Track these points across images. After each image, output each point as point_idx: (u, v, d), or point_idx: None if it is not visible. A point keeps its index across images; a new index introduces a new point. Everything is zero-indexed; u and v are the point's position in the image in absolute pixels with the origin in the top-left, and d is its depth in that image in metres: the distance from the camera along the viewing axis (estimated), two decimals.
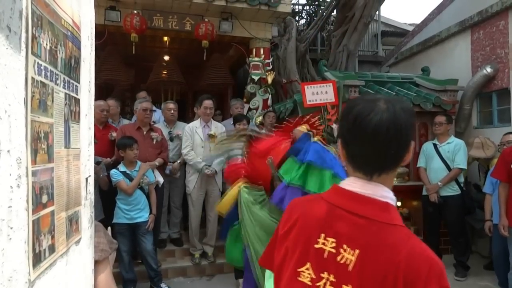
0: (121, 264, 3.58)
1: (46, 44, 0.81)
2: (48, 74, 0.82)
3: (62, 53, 0.91)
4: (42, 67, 0.79)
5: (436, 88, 5.40)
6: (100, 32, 5.04)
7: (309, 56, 7.50)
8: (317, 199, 1.00)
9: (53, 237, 0.85)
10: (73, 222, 0.99)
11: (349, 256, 0.87)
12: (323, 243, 0.92)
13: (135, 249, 3.89)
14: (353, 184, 0.94)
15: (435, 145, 4.44)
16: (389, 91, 5.37)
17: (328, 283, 0.89)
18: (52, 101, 0.84)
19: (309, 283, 0.91)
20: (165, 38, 6.44)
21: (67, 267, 0.94)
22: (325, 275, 0.90)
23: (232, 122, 5.04)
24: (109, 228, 1.42)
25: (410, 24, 11.41)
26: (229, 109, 5.76)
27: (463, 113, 5.48)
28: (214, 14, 5.46)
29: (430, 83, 5.58)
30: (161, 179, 4.07)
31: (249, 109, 5.60)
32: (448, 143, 4.33)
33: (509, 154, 3.33)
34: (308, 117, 3.15)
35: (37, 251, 0.76)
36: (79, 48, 1.04)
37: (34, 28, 0.74)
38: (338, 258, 0.88)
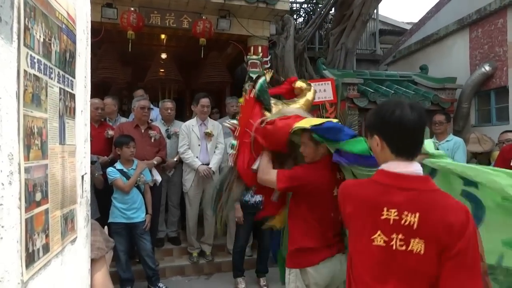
0: (118, 264, 3.55)
1: (40, 36, 0.78)
2: (42, 67, 0.79)
3: (57, 46, 0.88)
4: (35, 60, 0.76)
5: (434, 87, 5.39)
6: (97, 29, 4.99)
7: (307, 55, 7.47)
8: (368, 182, 1.37)
9: (47, 236, 0.82)
10: (68, 220, 0.96)
11: (411, 218, 1.22)
12: (387, 214, 1.25)
13: (132, 248, 3.86)
14: (398, 166, 1.30)
15: (434, 143, 4.43)
16: (388, 89, 5.36)
17: (398, 241, 1.23)
18: (46, 95, 0.82)
19: (384, 244, 1.25)
20: (163, 36, 6.40)
21: (62, 267, 0.92)
22: (394, 236, 1.23)
23: (228, 120, 5.04)
24: (105, 227, 1.40)
25: (408, 23, 11.42)
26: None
27: (461, 111, 5.48)
28: (212, 12, 5.42)
29: (428, 82, 5.58)
30: (159, 178, 4.05)
31: None
32: (447, 141, 4.33)
33: (509, 152, 3.33)
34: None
35: (30, 250, 0.73)
36: (74, 42, 1.01)
37: (26, 19, 0.71)
38: (402, 222, 1.23)
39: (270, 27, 5.95)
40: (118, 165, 3.59)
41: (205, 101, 4.29)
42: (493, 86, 5.27)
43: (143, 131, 4.09)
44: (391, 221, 1.24)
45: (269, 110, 2.41)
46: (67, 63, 0.96)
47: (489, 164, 4.29)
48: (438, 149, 1.83)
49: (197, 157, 4.21)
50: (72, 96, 1.00)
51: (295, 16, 9.38)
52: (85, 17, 1.14)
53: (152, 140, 4.08)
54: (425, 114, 1.33)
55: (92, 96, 1.22)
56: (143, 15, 5.15)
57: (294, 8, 9.57)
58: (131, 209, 3.54)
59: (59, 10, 0.89)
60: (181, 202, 4.61)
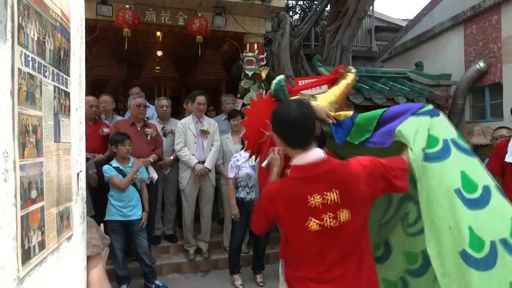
0: (115, 262, 3.56)
1: (34, 35, 0.78)
2: (36, 65, 0.80)
3: (51, 44, 0.88)
4: (30, 58, 0.76)
5: (430, 83, 5.42)
6: (92, 27, 4.97)
7: (303, 52, 7.47)
8: (287, 180, 1.53)
9: (43, 233, 0.83)
10: (64, 218, 0.97)
11: (332, 196, 1.44)
12: (313, 200, 1.44)
13: (128, 246, 3.87)
14: (301, 159, 1.49)
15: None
16: (383, 86, 5.38)
17: (329, 218, 1.44)
18: (41, 93, 0.82)
19: (318, 227, 1.44)
20: (158, 33, 6.38)
21: (58, 263, 0.92)
22: (324, 215, 1.43)
23: (224, 118, 5.05)
24: (101, 224, 1.40)
25: (403, 20, 11.43)
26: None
27: (456, 107, 5.52)
28: (207, 9, 5.41)
29: (423, 78, 5.61)
30: (155, 175, 4.05)
31: (243, 105, 5.57)
32: None
33: (503, 148, 3.36)
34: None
35: (26, 247, 0.74)
36: (68, 40, 1.02)
37: (20, 18, 0.71)
38: (327, 202, 1.43)
39: (266, 24, 5.95)
40: (114, 163, 3.59)
41: (201, 98, 4.29)
42: (488, 82, 5.31)
43: (139, 128, 4.08)
44: (319, 205, 1.44)
45: None
46: (61, 61, 0.96)
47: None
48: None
49: (193, 155, 4.22)
50: (67, 94, 1.01)
51: (291, 13, 9.37)
52: (79, 15, 1.14)
53: (148, 138, 4.08)
54: (310, 109, 1.56)
55: (88, 94, 1.23)
56: (139, 13, 5.14)
57: (290, 5, 9.56)
58: (128, 207, 3.54)
59: (53, 9, 0.90)
60: (177, 199, 4.62)
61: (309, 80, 2.85)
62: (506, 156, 3.28)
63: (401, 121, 1.71)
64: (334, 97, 2.28)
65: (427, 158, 1.59)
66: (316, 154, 1.49)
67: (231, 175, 3.83)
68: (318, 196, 1.44)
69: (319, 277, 1.48)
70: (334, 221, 1.44)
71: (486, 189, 1.55)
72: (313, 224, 1.44)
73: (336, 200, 1.43)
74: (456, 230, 1.46)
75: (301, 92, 2.39)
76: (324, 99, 2.27)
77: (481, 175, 1.60)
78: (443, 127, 1.72)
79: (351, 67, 2.48)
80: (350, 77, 2.41)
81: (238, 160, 3.81)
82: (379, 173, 1.50)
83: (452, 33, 6.06)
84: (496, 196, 1.54)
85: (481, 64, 5.26)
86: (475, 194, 1.53)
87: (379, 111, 1.84)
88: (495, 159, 3.45)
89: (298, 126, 1.48)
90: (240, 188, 3.84)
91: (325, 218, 1.43)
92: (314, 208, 1.44)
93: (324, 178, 1.45)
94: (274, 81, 2.24)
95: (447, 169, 1.56)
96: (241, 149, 3.89)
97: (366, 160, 1.53)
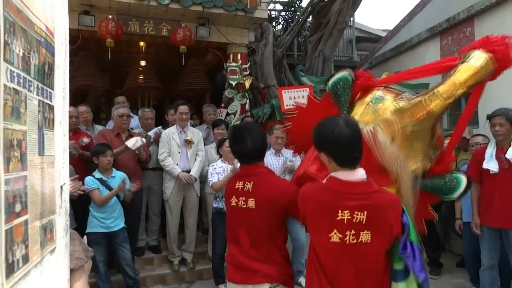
0: (97, 275, 3.49)
1: (19, 51, 0.80)
2: (21, 81, 0.81)
3: (36, 59, 0.90)
4: (15, 74, 0.78)
5: (409, 92, 5.57)
6: (74, 37, 4.93)
7: (286, 61, 7.59)
8: (323, 187, 1.58)
9: (27, 246, 0.83)
10: (47, 231, 0.97)
11: (361, 216, 1.48)
12: (342, 215, 1.49)
13: (111, 258, 3.80)
14: (345, 176, 1.54)
15: None
16: None
17: (351, 235, 1.49)
18: (26, 108, 0.83)
19: (339, 240, 1.51)
20: (142, 43, 6.38)
21: (41, 277, 0.92)
22: (347, 232, 1.49)
23: (205, 127, 5.08)
24: (84, 236, 1.40)
25: (383, 30, 11.75)
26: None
27: None
28: (191, 20, 5.45)
29: (402, 88, 5.76)
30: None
31: (227, 114, 5.60)
32: None
33: (481, 155, 3.48)
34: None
35: (10, 261, 0.74)
36: (53, 55, 1.03)
37: (6, 35, 0.73)
38: (354, 220, 1.48)
39: (249, 35, 6.03)
40: (97, 174, 3.54)
41: (183, 108, 4.29)
42: None
43: (124, 139, 4.05)
44: (345, 221, 1.50)
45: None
46: (45, 75, 0.97)
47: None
48: None
49: (177, 164, 4.21)
50: (51, 108, 1.02)
51: (274, 24, 9.51)
52: (64, 29, 1.15)
53: (134, 149, 4.05)
54: (358, 126, 1.58)
55: (69, 104, 1.23)
56: (122, 23, 5.13)
57: (273, 16, 9.71)
58: (110, 218, 3.49)
59: (38, 24, 0.91)
60: (161, 210, 4.58)
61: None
62: (484, 162, 3.41)
63: None
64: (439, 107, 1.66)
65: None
66: (359, 174, 1.55)
67: (214, 179, 3.76)
68: (348, 213, 1.49)
69: None
70: (355, 239, 1.50)
71: None
72: (336, 236, 1.51)
73: (362, 220, 1.49)
74: None
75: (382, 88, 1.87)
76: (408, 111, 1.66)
77: None
78: None
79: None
80: (478, 58, 1.60)
81: (215, 169, 3.79)
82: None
83: (429, 44, 6.27)
84: None
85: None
86: None
87: None
88: (473, 166, 3.57)
89: (352, 145, 1.52)
90: (218, 199, 3.82)
91: (347, 234, 1.50)
92: (340, 222, 1.50)
93: (359, 198, 1.50)
94: (338, 76, 1.88)
95: None
96: (220, 158, 3.91)
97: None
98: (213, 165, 3.87)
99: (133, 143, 3.77)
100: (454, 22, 5.57)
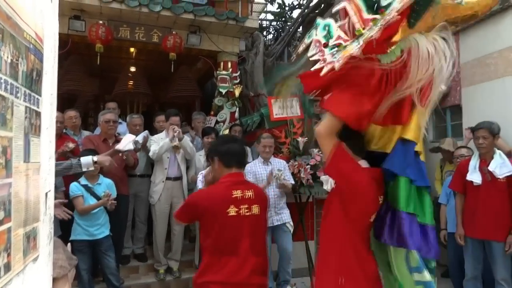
0: (80, 283, 3.42)
1: (7, 57, 0.79)
2: (8, 87, 0.80)
3: (24, 66, 0.89)
4: (2, 81, 0.77)
5: None
6: (64, 41, 4.90)
7: None
8: (217, 184, 2.11)
9: (9, 255, 0.82)
10: (31, 238, 0.96)
11: (250, 193, 2.05)
12: (235, 194, 2.01)
13: (95, 267, 3.74)
14: (233, 173, 2.11)
15: None
16: None
17: (244, 209, 1.99)
18: (12, 114, 0.83)
19: (235, 213, 1.97)
20: (132, 49, 6.36)
21: (23, 286, 0.91)
22: (241, 206, 1.99)
23: (194, 134, 5.09)
24: (68, 244, 1.38)
25: None
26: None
27: None
28: (182, 27, 5.47)
29: None
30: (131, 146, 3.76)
31: (217, 122, 5.61)
32: None
33: (464, 167, 3.55)
34: None
35: None
36: (41, 61, 1.03)
37: None
38: (245, 196, 2.03)
39: (240, 43, 6.07)
40: (83, 180, 3.49)
41: (175, 119, 4.27)
42: (449, 104, 5.62)
43: (111, 144, 4.01)
44: (239, 198, 2.00)
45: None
46: (33, 81, 0.97)
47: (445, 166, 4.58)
48: None
49: (165, 169, 4.18)
50: (38, 114, 1.01)
51: (264, 33, 9.60)
52: (53, 35, 1.15)
53: (120, 154, 4.01)
54: (243, 142, 2.49)
55: (57, 109, 1.22)
56: (112, 29, 5.12)
57: (264, 25, 9.81)
58: (95, 226, 3.43)
59: (27, 31, 0.91)
60: (148, 217, 4.53)
61: None
62: (467, 174, 3.48)
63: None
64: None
65: None
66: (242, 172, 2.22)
67: (203, 186, 3.72)
68: (240, 192, 2.02)
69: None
70: (248, 212, 1.99)
71: None
72: (232, 210, 1.96)
73: (251, 196, 2.03)
74: None
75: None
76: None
77: None
78: None
79: None
80: None
81: (205, 176, 3.78)
82: None
83: None
84: None
85: (443, 87, 5.58)
86: None
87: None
88: (458, 177, 3.64)
89: (239, 154, 2.17)
90: None
91: (241, 208, 1.99)
92: (235, 199, 1.99)
93: (244, 184, 2.11)
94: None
95: None
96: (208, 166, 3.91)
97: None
98: (202, 173, 3.85)
99: (125, 144, 3.66)
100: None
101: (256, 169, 3.98)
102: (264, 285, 1.99)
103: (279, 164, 4.05)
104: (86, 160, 2.93)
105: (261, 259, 1.99)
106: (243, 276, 1.89)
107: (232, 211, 1.95)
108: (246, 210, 1.98)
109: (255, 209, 2.01)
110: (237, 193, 1.99)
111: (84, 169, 2.95)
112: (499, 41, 4.68)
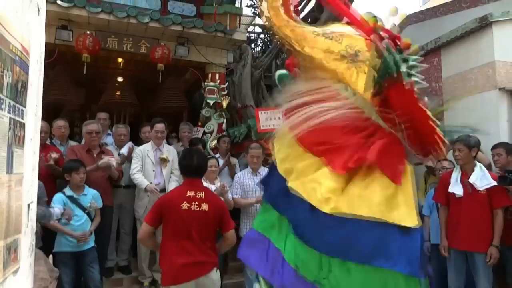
0: None
1: None
2: None
3: (9, 77, 0.90)
4: None
5: None
6: (51, 50, 4.87)
7: (264, 82, 7.72)
8: (176, 188, 2.98)
9: None
10: (11, 250, 0.95)
11: (201, 194, 2.63)
12: (189, 194, 2.61)
13: (78, 279, 3.65)
14: (191, 180, 2.75)
15: None
16: None
17: (195, 206, 2.57)
18: None
19: (187, 208, 2.55)
20: (120, 60, 6.35)
21: None
22: (193, 203, 2.58)
23: (180, 145, 5.05)
24: (50, 256, 1.36)
25: None
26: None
27: None
28: (170, 39, 5.50)
29: None
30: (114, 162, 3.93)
31: (204, 133, 5.62)
32: None
33: (447, 179, 3.62)
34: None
35: None
36: (27, 73, 1.04)
37: None
38: (197, 196, 2.61)
39: (228, 55, 6.12)
40: (68, 191, 3.43)
41: (159, 126, 4.25)
42: None
43: (95, 155, 3.97)
44: (191, 196, 2.58)
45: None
46: (18, 93, 0.98)
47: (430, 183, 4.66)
48: None
49: (151, 183, 4.12)
50: (22, 125, 1.02)
51: (252, 46, 9.71)
52: (39, 47, 1.16)
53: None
54: (203, 156, 3.10)
55: (42, 118, 1.23)
56: (100, 39, 5.12)
57: (252, 38, 9.93)
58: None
59: (13, 43, 0.92)
60: (133, 229, 4.46)
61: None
62: (450, 186, 3.55)
63: None
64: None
65: None
66: (202, 182, 2.88)
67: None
68: (193, 192, 2.61)
69: None
70: (198, 208, 2.56)
71: None
72: (185, 205, 2.54)
73: (201, 197, 2.60)
74: None
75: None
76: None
77: None
78: None
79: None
80: None
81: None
82: None
83: None
84: None
85: (426, 100, 5.71)
86: None
87: None
88: (441, 189, 3.71)
89: (196, 167, 2.77)
90: None
91: (193, 204, 2.56)
92: (188, 197, 2.58)
93: (198, 188, 2.69)
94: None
95: None
96: None
97: None
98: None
99: (106, 164, 3.78)
100: (423, 52, 5.87)
101: (244, 180, 3.98)
102: (214, 262, 2.63)
103: None
104: (57, 212, 3.12)
105: (209, 243, 2.63)
106: (198, 257, 2.53)
107: (184, 205, 2.55)
108: (196, 206, 2.57)
109: (204, 206, 2.59)
110: (191, 193, 2.61)
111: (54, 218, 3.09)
112: (479, 57, 4.84)
